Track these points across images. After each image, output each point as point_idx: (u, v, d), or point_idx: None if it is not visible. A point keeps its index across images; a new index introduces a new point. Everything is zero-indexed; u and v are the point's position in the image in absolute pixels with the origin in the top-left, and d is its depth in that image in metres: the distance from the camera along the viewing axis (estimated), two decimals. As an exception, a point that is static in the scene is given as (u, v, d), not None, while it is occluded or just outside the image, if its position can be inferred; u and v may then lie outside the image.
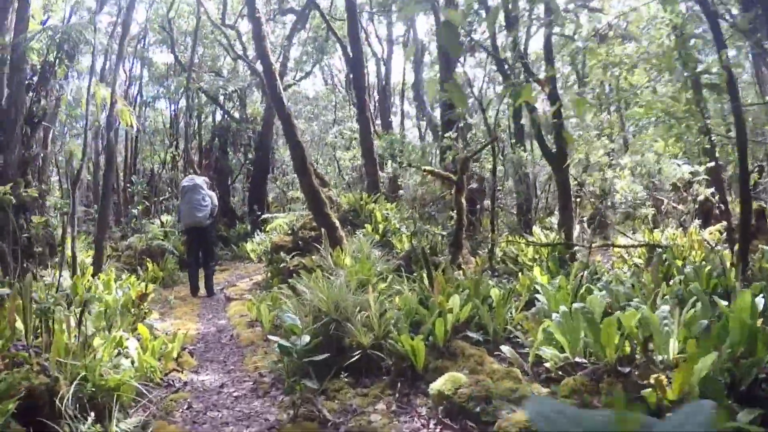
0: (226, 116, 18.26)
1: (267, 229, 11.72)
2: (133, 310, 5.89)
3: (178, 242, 11.29)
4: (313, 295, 4.57)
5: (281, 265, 7.92)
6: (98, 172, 16.49)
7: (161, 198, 20.42)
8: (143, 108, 20.76)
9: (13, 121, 6.65)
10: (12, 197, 6.50)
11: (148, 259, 9.53)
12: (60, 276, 5.82)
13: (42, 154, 7.29)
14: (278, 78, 7.75)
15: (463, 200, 7.26)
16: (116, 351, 4.22)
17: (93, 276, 6.50)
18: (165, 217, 14.61)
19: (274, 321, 5.66)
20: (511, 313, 4.54)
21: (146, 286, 6.65)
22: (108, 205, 7.11)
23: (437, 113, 13.34)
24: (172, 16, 18.10)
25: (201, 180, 8.18)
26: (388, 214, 9.08)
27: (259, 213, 13.86)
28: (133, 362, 4.06)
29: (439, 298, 4.29)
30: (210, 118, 21.90)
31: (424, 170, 8.51)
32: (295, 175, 20.77)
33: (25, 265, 6.21)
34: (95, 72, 7.33)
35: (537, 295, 4.48)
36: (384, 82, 20.14)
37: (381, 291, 4.92)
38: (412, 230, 8.19)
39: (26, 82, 7.15)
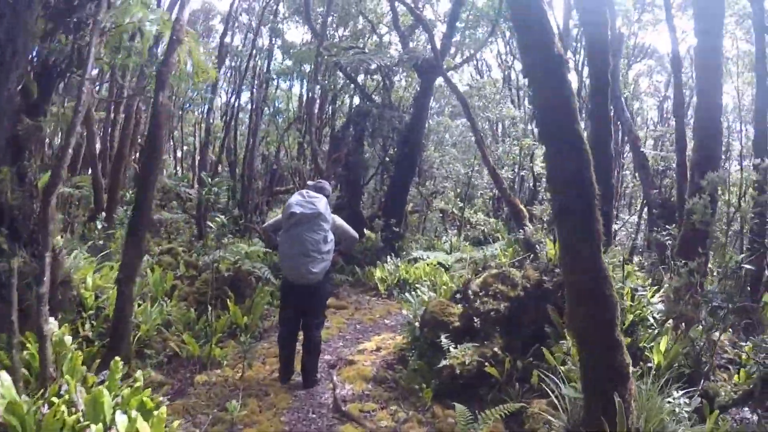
0: (365, 100, 14.68)
1: (411, 270, 7.97)
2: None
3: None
4: None
5: (440, 365, 4.17)
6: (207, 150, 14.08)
7: (282, 188, 17.95)
8: (276, 88, 18.54)
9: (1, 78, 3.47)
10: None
11: (230, 291, 6.34)
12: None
13: (48, 127, 4.06)
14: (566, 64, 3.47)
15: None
16: None
17: (95, 373, 3.16)
18: (273, 214, 11.64)
19: None
20: None
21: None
22: (142, 223, 3.83)
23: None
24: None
25: (323, 204, 4.51)
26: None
27: (396, 229, 10.23)
28: None
29: None
30: (347, 104, 18.91)
31: None
32: (446, 184, 16.86)
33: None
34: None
35: None
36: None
37: None
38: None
39: (42, 15, 3.96)
